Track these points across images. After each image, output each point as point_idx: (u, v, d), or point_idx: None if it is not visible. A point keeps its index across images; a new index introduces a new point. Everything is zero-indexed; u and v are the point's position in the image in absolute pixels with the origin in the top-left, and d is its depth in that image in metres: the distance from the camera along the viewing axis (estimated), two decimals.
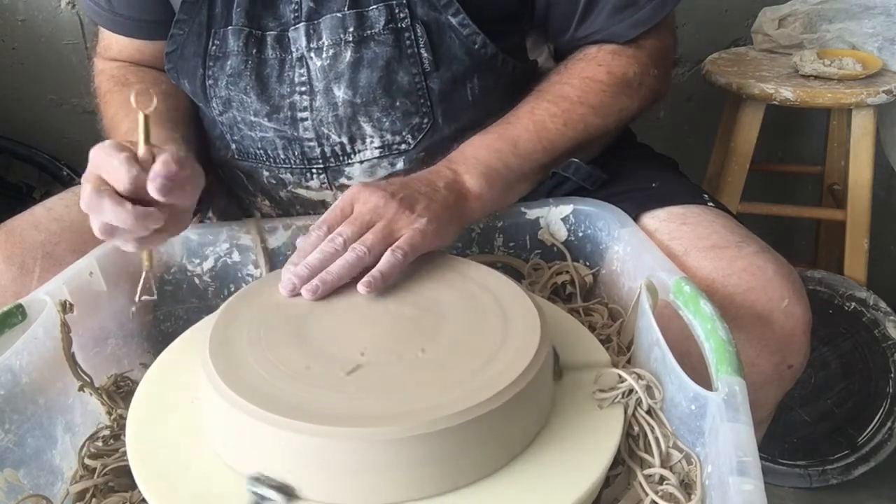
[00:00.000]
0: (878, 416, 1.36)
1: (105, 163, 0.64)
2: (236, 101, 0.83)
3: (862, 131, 1.27)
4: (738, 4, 1.55)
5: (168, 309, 0.83)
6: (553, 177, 0.83)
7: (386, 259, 0.66)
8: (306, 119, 0.82)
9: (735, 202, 1.32)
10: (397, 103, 0.80)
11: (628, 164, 0.88)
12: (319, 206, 0.87)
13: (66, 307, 0.69)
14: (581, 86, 0.81)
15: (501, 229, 0.83)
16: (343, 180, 0.85)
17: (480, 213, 0.77)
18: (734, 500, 0.47)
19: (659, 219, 0.79)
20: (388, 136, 0.82)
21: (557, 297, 0.81)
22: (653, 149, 0.98)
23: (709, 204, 0.82)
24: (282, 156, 0.84)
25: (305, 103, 0.81)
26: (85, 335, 0.72)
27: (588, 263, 0.82)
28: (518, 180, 0.80)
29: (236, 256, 0.83)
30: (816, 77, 1.28)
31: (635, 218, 0.80)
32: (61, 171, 1.55)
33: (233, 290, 0.82)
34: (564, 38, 0.86)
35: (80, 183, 0.92)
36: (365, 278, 0.64)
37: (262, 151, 0.85)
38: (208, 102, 0.86)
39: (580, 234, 0.82)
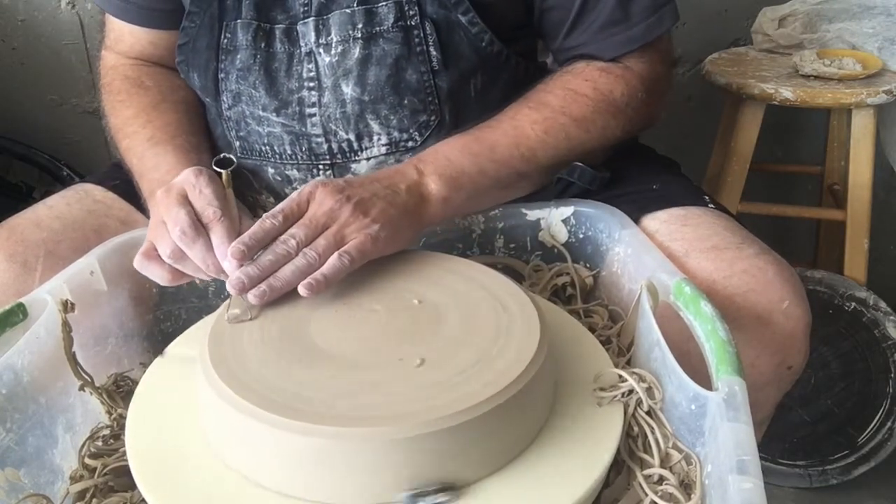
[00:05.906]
0: (878, 416, 1.36)
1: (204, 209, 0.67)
2: (245, 95, 0.83)
3: (862, 131, 1.27)
4: (738, 4, 1.55)
5: (168, 308, 0.83)
6: (558, 182, 0.82)
7: (331, 263, 0.65)
8: (314, 115, 0.81)
9: (735, 202, 1.32)
10: (405, 101, 0.80)
11: (630, 165, 0.88)
12: None
13: (67, 306, 0.69)
14: (565, 96, 0.80)
15: (502, 230, 0.83)
16: (349, 177, 0.84)
17: (443, 217, 0.75)
18: (734, 498, 0.48)
19: (660, 220, 0.79)
20: (396, 134, 0.82)
21: (557, 298, 0.81)
22: (655, 150, 0.97)
23: (709, 206, 0.81)
24: (288, 151, 0.84)
25: (314, 99, 0.81)
26: (85, 334, 0.72)
27: (588, 265, 0.81)
28: (492, 186, 0.78)
29: None
30: (816, 77, 1.28)
31: (636, 220, 0.79)
32: (61, 171, 1.55)
33: None
34: (554, 45, 0.86)
35: (80, 182, 0.92)
36: (307, 280, 0.64)
37: (267, 147, 0.85)
38: (218, 97, 0.85)
39: (581, 236, 0.82)
